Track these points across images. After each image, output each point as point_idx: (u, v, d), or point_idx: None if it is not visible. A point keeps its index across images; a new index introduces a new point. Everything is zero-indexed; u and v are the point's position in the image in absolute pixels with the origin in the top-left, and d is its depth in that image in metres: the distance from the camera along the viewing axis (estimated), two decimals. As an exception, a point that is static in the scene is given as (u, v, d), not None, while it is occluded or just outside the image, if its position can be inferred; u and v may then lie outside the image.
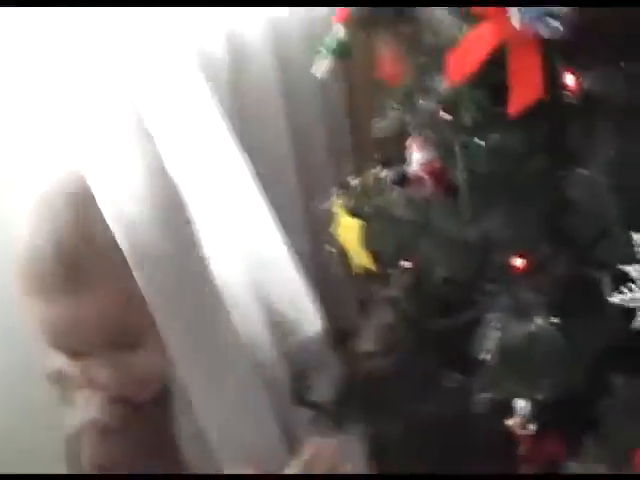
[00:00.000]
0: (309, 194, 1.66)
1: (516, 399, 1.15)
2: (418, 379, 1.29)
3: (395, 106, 1.25)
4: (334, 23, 1.29)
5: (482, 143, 1.11)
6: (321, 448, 1.11)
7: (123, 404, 1.10)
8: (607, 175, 1.05)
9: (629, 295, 1.02)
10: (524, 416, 1.14)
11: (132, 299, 1.01)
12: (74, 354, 1.06)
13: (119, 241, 0.99)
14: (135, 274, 0.99)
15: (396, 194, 1.29)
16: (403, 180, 1.34)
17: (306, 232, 1.62)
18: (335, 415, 1.29)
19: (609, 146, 1.06)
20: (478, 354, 1.15)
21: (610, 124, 1.06)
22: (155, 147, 1.06)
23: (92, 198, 1.00)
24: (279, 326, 1.23)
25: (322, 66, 1.31)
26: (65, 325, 1.01)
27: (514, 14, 0.99)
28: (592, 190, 1.06)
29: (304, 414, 1.26)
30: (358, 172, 1.36)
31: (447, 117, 1.14)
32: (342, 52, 1.30)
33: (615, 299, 1.02)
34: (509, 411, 1.16)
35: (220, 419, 1.10)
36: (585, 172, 1.07)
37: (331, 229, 1.31)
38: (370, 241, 1.26)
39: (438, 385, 1.27)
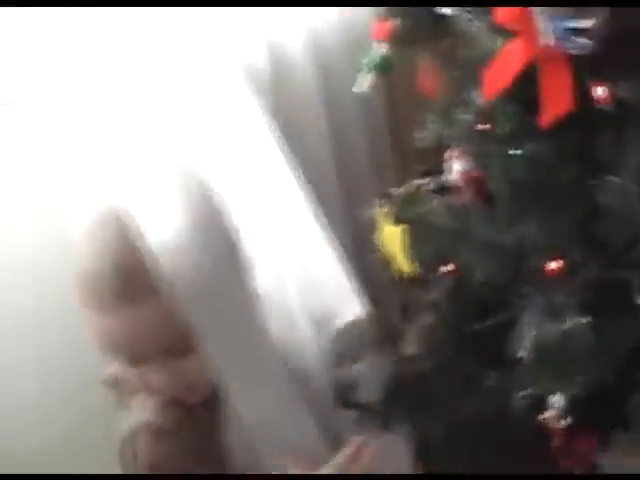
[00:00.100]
0: (352, 202, 1.67)
1: (551, 395, 1.17)
2: (459, 379, 1.32)
3: (434, 119, 1.27)
4: (374, 39, 1.32)
5: (518, 152, 1.13)
6: (364, 444, 1.14)
7: (176, 407, 1.15)
8: (637, 182, 1.08)
9: (658, 297, 1.05)
10: (558, 410, 1.16)
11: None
12: (130, 361, 1.12)
13: (163, 264, 1.04)
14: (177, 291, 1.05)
15: (436, 202, 1.32)
16: (443, 189, 1.36)
17: (350, 239, 1.62)
18: (382, 415, 1.33)
19: (639, 154, 1.09)
20: (515, 353, 1.17)
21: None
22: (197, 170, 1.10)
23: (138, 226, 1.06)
24: (323, 312, 1.26)
25: (365, 82, 1.33)
26: (122, 336, 1.08)
27: (543, 33, 1.01)
28: (623, 197, 1.09)
29: (348, 415, 1.29)
30: (400, 182, 1.39)
31: (484, 129, 1.17)
32: (384, 68, 1.33)
33: (644, 301, 1.06)
34: (544, 407, 1.18)
35: (261, 420, 1.14)
36: (616, 179, 1.10)
37: (374, 236, 1.34)
38: (412, 247, 1.29)
39: (478, 384, 1.29)
